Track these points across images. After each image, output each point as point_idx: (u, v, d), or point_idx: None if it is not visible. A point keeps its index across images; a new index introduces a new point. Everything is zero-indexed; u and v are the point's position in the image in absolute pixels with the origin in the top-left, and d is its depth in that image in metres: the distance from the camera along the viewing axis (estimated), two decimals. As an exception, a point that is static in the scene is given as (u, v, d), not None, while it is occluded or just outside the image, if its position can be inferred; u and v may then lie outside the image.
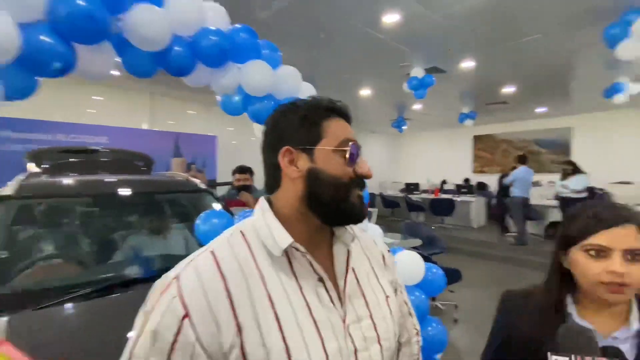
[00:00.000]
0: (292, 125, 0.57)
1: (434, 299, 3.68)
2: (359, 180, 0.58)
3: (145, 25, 1.30)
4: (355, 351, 0.54)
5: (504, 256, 5.63)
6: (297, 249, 0.54)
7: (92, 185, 1.98)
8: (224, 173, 6.18)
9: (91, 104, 5.65)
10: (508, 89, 5.90)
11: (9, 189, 1.70)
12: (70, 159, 2.51)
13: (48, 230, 1.89)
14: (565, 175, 5.60)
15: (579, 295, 0.73)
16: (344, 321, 0.55)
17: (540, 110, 7.68)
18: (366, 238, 0.73)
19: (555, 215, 6.27)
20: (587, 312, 0.72)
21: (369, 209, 6.67)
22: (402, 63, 4.46)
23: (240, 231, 0.57)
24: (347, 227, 0.63)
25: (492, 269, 5.10)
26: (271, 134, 0.60)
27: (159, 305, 0.49)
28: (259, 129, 2.01)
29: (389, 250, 0.75)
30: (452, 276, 3.25)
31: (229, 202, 2.64)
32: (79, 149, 2.80)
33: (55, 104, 5.13)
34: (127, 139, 5.58)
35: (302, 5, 2.97)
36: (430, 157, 10.91)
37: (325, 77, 5.20)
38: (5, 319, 1.12)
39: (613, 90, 4.80)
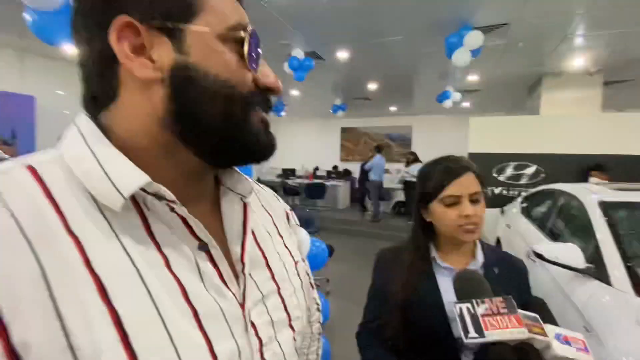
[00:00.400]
0: None
1: (309, 276, 3.81)
2: (263, 95, 0.37)
3: None
4: (261, 345, 0.37)
5: (364, 231, 6.48)
6: (157, 197, 0.31)
7: None
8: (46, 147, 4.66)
9: None
10: (372, 86, 6.65)
11: None
12: None
13: None
14: (408, 163, 6.89)
15: (439, 242, 0.87)
16: (242, 306, 0.36)
17: (392, 108, 9.08)
18: (264, 189, 0.54)
19: (400, 196, 7.65)
20: (445, 254, 0.85)
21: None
22: (282, 41, 4.33)
23: (29, 167, 0.29)
24: (242, 173, 0.43)
25: (355, 243, 5.74)
26: None
27: None
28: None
29: (291, 209, 0.59)
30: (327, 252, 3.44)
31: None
32: None
33: None
34: None
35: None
36: (306, 144, 11.42)
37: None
38: None
39: (443, 96, 6.08)
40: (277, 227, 0.50)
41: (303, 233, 1.43)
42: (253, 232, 0.43)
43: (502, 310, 0.53)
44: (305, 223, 4.50)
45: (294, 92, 7.47)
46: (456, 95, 5.96)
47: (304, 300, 0.48)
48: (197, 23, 0.32)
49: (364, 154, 10.26)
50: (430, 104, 7.47)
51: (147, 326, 0.28)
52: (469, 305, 0.55)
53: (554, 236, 2.42)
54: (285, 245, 0.49)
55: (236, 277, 0.37)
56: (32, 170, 0.29)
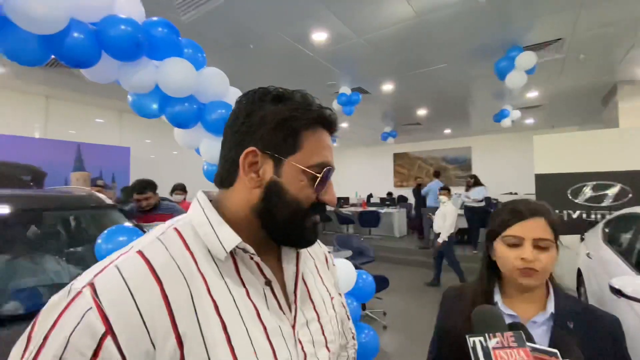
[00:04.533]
0: (268, 123, 0.48)
1: (363, 308, 3.76)
2: (321, 205, 0.52)
3: (32, 3, 1.08)
4: (305, 357, 0.51)
5: (423, 261, 6.14)
6: (245, 251, 0.47)
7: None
8: (139, 189, 5.50)
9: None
10: (421, 112, 6.63)
11: None
12: None
13: None
14: (468, 187, 6.50)
15: (504, 285, 0.82)
16: (293, 327, 0.51)
17: (446, 131, 8.81)
18: None
19: (463, 223, 7.15)
20: (511, 300, 0.80)
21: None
22: (329, 82, 4.66)
23: (174, 228, 0.48)
24: None
25: (414, 274, 5.49)
26: (241, 122, 0.50)
27: (63, 323, 0.36)
28: (181, 138, 1.83)
29: (329, 252, 0.73)
30: (381, 283, 3.39)
31: (138, 219, 2.32)
32: None
33: None
34: (12, 148, 4.61)
35: (230, 13, 2.89)
36: (358, 172, 11.53)
37: (252, 88, 5.12)
38: None
39: (500, 115, 5.78)
40: (317, 269, 0.64)
41: (340, 268, 1.52)
42: (302, 273, 0.57)
43: (512, 344, 0.56)
44: (358, 253, 4.49)
45: (344, 125, 7.77)
46: (515, 113, 5.62)
47: (337, 328, 0.60)
48: (293, 158, 0.49)
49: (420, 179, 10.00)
50: (488, 124, 7.12)
51: (239, 334, 0.44)
52: (481, 338, 0.59)
53: (642, 268, 2.10)
54: (323, 283, 0.63)
55: (289, 306, 0.52)
56: (177, 231, 0.47)
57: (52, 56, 1.27)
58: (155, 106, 1.60)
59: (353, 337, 0.74)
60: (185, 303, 0.41)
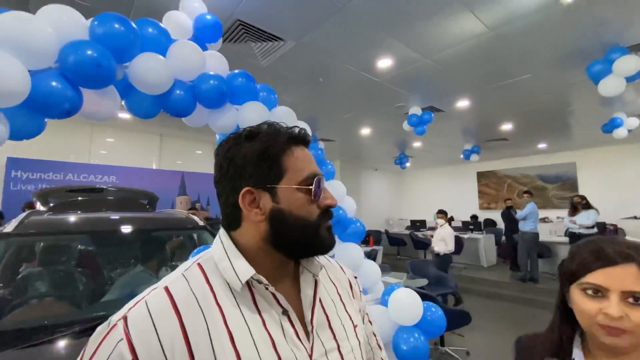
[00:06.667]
0: (251, 161, 0.52)
1: (442, 344, 3.45)
2: (327, 211, 0.55)
3: (149, 72, 1.42)
4: None
5: (516, 296, 5.36)
6: (259, 282, 0.51)
7: (88, 223, 2.00)
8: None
9: (103, 146, 5.91)
10: (506, 127, 6.01)
11: (9, 227, 1.75)
12: (76, 198, 2.58)
13: (46, 267, 1.90)
14: (574, 211, 5.50)
15: (586, 340, 0.68)
16: (310, 356, 0.52)
17: (541, 146, 7.75)
18: (333, 265, 0.71)
19: (567, 253, 6.04)
20: (593, 358, 0.65)
21: (375, 247, 6.55)
22: (397, 104, 4.63)
23: (198, 264, 0.54)
24: (314, 258, 0.60)
25: (505, 310, 4.82)
26: (227, 170, 0.54)
27: (101, 352, 0.43)
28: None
29: (355, 277, 0.73)
30: (461, 319, 3.08)
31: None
32: (86, 187, 2.87)
33: (69, 146, 5.40)
34: (135, 178, 5.76)
35: (299, 53, 3.19)
36: (436, 193, 10.84)
37: (326, 118, 5.41)
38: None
39: (611, 125, 4.86)
40: (340, 296, 0.64)
41: (403, 298, 1.46)
42: (320, 301, 0.59)
43: None
44: (436, 283, 4.17)
45: (417, 144, 7.50)
46: (631, 122, 4.68)
47: (360, 358, 0.59)
48: (283, 182, 0.52)
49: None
50: (596, 135, 6.06)
51: None
52: None
53: None
54: (345, 310, 0.62)
55: (307, 334, 0.53)
56: (200, 267, 0.53)
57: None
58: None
59: None
60: (202, 334, 0.45)
